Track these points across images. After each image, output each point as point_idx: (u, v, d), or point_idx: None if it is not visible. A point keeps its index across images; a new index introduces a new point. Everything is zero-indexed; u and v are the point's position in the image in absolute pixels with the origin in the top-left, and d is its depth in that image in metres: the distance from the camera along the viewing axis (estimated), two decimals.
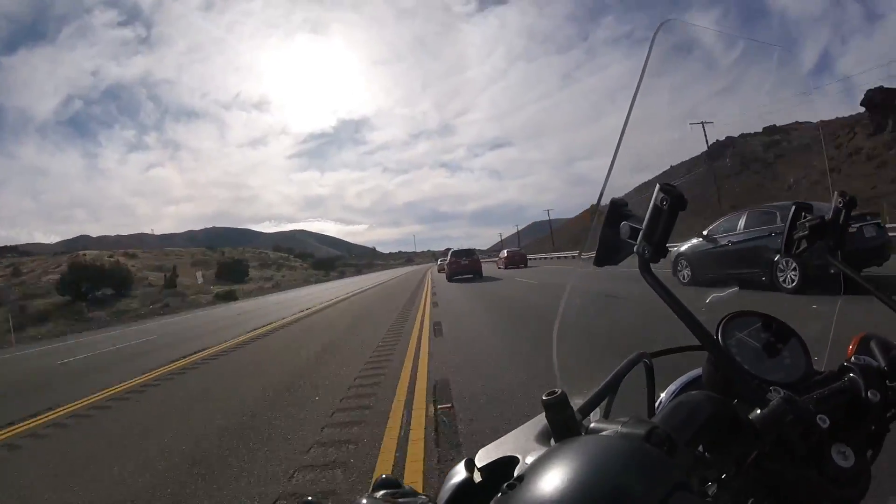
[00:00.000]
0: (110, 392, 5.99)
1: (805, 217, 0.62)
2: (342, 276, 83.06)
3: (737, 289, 0.68)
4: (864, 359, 0.52)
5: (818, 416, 0.43)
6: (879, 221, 7.02)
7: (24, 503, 2.95)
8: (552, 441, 0.42)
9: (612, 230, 0.46)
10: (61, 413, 5.18)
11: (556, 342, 0.56)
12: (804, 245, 0.61)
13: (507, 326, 7.28)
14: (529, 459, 0.38)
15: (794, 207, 0.63)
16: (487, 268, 30.87)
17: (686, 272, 7.83)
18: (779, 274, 6.64)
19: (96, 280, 40.36)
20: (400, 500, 0.37)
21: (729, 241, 7.19)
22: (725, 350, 0.51)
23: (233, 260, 68.07)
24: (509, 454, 0.41)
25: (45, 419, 5.01)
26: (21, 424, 4.89)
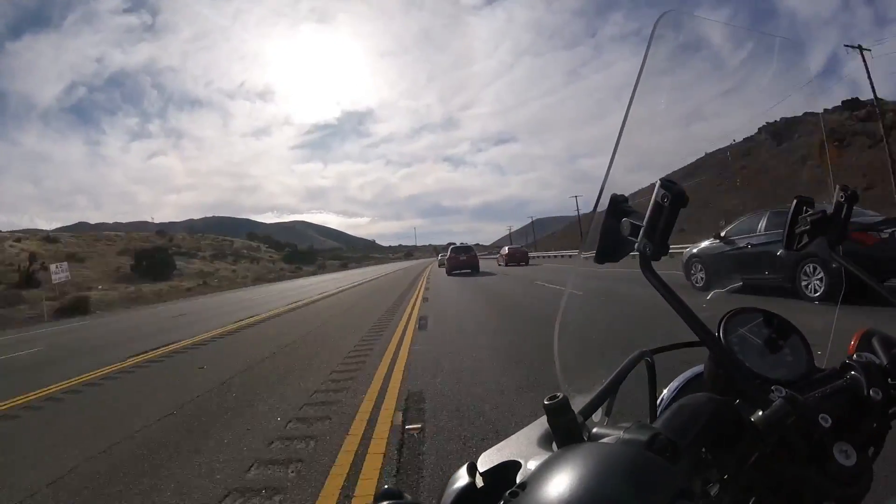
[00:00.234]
0: None
1: (806, 211, 0.61)
2: (320, 271, 67.86)
3: (740, 283, 0.68)
4: (865, 356, 0.52)
5: (820, 415, 0.43)
6: None
7: None
8: (554, 445, 0.42)
9: (612, 227, 0.46)
10: None
11: (556, 343, 0.55)
12: (805, 240, 0.61)
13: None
14: (531, 464, 0.38)
15: (795, 202, 0.62)
16: (489, 264, 30.48)
17: (700, 275, 7.30)
18: (803, 280, 6.04)
19: None
20: None
21: (748, 243, 6.64)
22: (727, 349, 0.51)
23: (153, 248, 50.43)
24: (511, 459, 0.41)
25: None
26: None
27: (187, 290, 33.33)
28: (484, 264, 28.26)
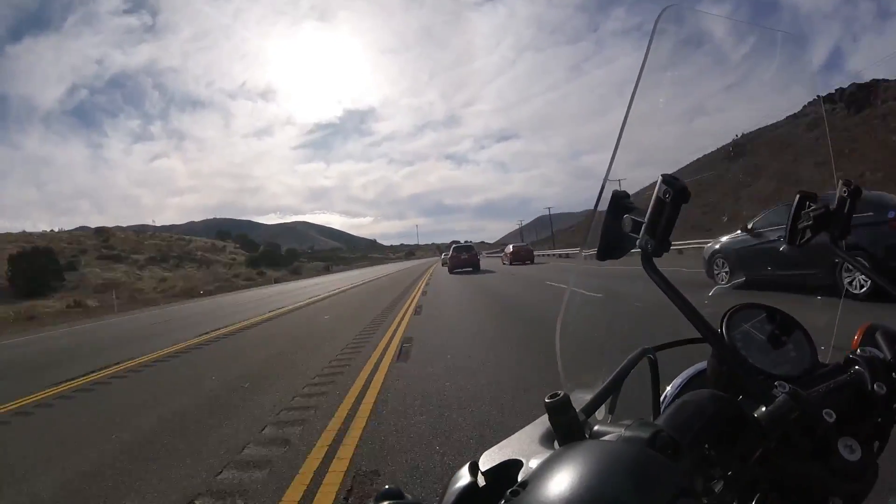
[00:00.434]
0: None
1: (809, 206, 0.61)
2: (292, 277, 53.93)
3: (743, 279, 0.67)
4: (869, 350, 0.51)
5: (824, 410, 0.43)
6: None
7: None
8: (556, 444, 0.42)
9: (614, 224, 0.46)
10: None
11: (558, 342, 0.55)
12: (808, 235, 0.61)
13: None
14: (533, 463, 0.38)
15: (797, 196, 0.62)
16: (494, 263, 29.55)
17: (724, 273, 6.63)
18: (845, 276, 5.10)
19: None
20: None
21: (780, 235, 6.17)
22: (730, 345, 0.51)
23: (34, 250, 38.34)
24: (513, 457, 0.41)
25: None
26: None
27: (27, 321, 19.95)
28: (488, 263, 28.48)
